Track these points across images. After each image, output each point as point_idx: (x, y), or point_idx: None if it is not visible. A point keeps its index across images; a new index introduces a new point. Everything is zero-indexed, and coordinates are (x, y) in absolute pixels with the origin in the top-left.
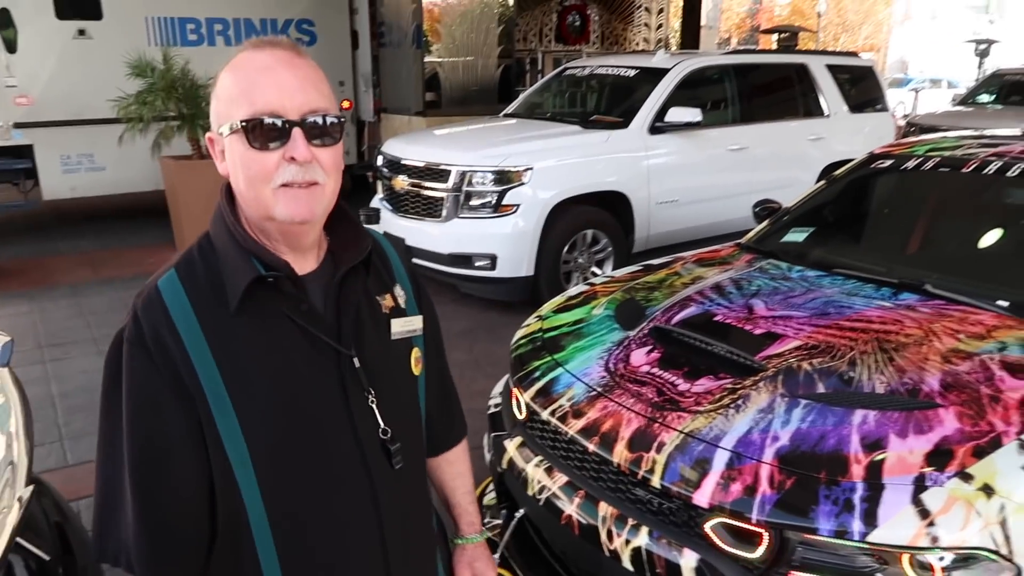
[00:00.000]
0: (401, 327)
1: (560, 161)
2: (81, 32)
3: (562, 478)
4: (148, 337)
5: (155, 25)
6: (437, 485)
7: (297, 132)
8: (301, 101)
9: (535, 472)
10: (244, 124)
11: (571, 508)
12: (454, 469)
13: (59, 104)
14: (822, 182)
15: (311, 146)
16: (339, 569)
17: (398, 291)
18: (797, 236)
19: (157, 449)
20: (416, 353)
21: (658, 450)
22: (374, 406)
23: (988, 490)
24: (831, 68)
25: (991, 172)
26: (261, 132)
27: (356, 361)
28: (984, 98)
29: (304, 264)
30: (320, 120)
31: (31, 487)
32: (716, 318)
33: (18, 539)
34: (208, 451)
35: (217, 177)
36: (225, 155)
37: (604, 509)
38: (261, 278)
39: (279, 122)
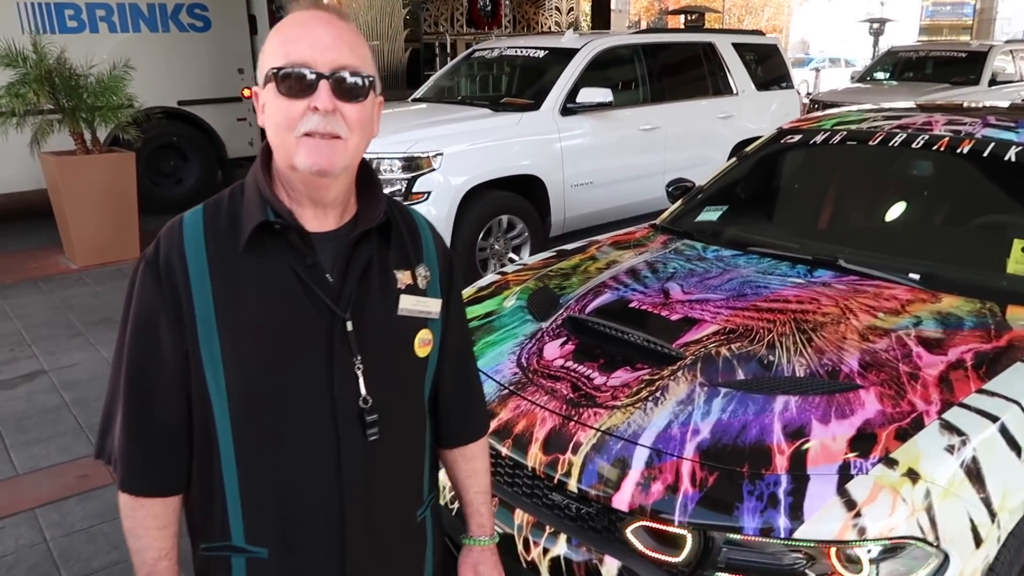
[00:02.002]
0: (411, 304)
1: (471, 145)
2: None
3: None
4: (161, 260)
5: (29, 11)
6: (453, 481)
7: (324, 84)
8: (333, 56)
9: (446, 479)
10: (275, 72)
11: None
12: (469, 466)
13: None
14: (733, 159)
15: (337, 100)
16: (293, 518)
17: (421, 270)
18: (711, 215)
19: (149, 364)
20: (424, 335)
21: (574, 451)
22: (359, 372)
23: (913, 475)
24: (737, 47)
25: (896, 144)
26: (290, 81)
27: (349, 324)
28: (880, 75)
29: (324, 222)
30: (349, 76)
31: None
32: (632, 304)
33: None
34: (191, 378)
35: (103, 174)
36: (264, 107)
37: (520, 517)
38: (269, 224)
39: (308, 72)
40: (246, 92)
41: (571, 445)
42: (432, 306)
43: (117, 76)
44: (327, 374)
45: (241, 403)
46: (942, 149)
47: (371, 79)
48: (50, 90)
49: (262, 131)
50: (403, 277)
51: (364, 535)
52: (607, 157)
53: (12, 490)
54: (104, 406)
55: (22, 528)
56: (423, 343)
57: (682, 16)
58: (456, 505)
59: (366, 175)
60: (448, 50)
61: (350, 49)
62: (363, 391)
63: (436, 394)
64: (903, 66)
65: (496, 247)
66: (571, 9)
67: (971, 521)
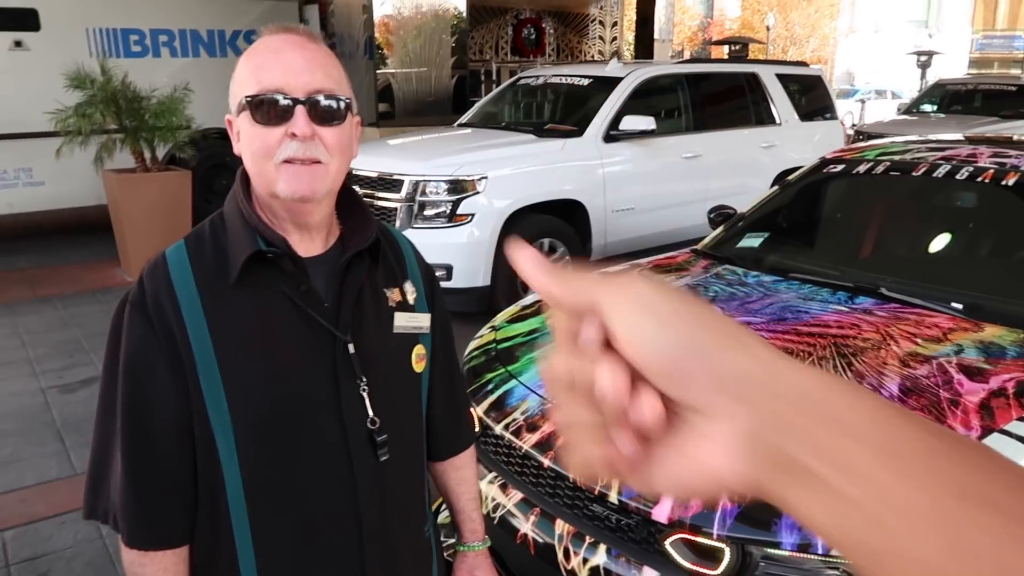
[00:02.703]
0: (405, 321)
1: (515, 170)
2: (17, 43)
3: (517, 495)
4: (149, 301)
5: (96, 36)
6: (443, 490)
7: (300, 110)
8: (306, 80)
9: (489, 489)
10: (249, 100)
11: (527, 526)
12: (459, 475)
13: None
14: (775, 187)
15: (315, 125)
16: (311, 553)
17: (408, 287)
18: (752, 241)
19: (147, 409)
20: (419, 350)
21: None
22: (365, 394)
23: None
24: (781, 77)
25: (940, 175)
26: (265, 108)
27: (351, 347)
28: (927, 107)
29: (311, 246)
30: (324, 100)
31: None
32: None
33: None
34: (193, 420)
35: (160, 191)
36: (239, 135)
37: (561, 527)
38: (261, 254)
39: (283, 98)
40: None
41: None
42: (423, 321)
43: (177, 98)
44: (335, 399)
45: (249, 439)
46: (986, 181)
47: (347, 101)
48: (115, 111)
49: None
50: (392, 295)
51: (381, 559)
52: (648, 184)
53: (71, 488)
54: (91, 463)
55: (80, 524)
56: (419, 358)
57: (726, 46)
58: (498, 514)
59: (348, 197)
60: (493, 77)
61: (324, 72)
62: (371, 412)
63: (428, 408)
64: (951, 99)
65: None
66: (615, 38)
67: None
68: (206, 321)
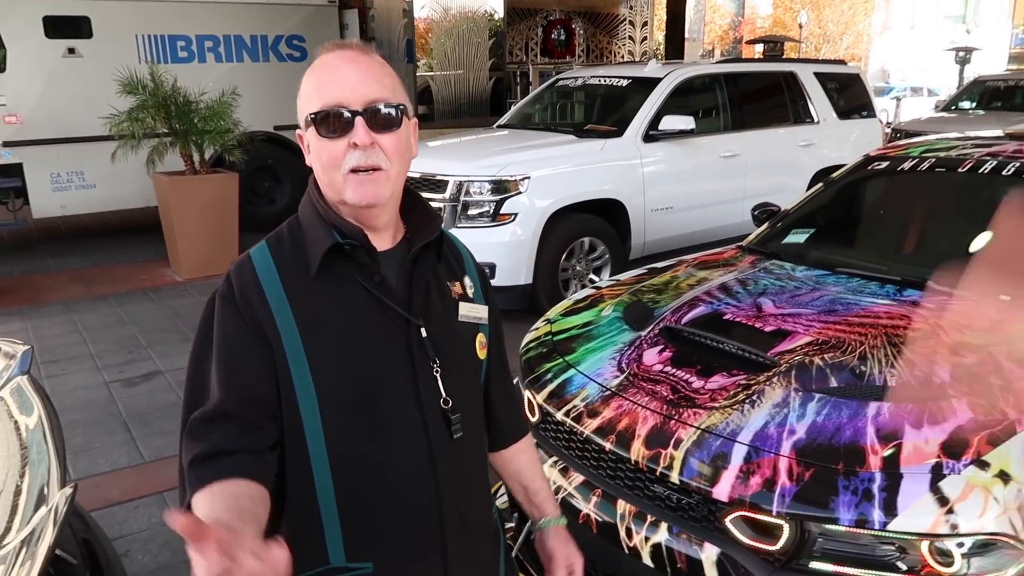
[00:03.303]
0: (468, 311)
1: (556, 170)
2: (71, 51)
3: (578, 478)
4: (237, 295)
5: (146, 42)
6: (514, 477)
7: (359, 121)
8: (363, 93)
9: (550, 473)
10: (313, 116)
11: (588, 507)
12: (526, 457)
13: (49, 122)
14: (819, 185)
15: (373, 133)
16: (395, 526)
17: (467, 281)
18: (798, 238)
19: (241, 382)
20: (481, 338)
21: (675, 446)
22: (438, 375)
23: (1005, 476)
24: (819, 76)
25: (987, 171)
26: (329, 122)
27: (424, 331)
28: (966, 104)
29: (380, 243)
30: (380, 108)
31: (66, 490)
32: (726, 317)
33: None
34: (281, 403)
35: (209, 192)
36: (309, 148)
37: (622, 507)
38: (338, 246)
39: (343, 112)
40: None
41: (672, 441)
42: (483, 312)
43: (225, 102)
44: (411, 380)
45: (336, 421)
46: None
47: (402, 107)
48: (165, 115)
49: None
50: (455, 287)
51: (459, 535)
52: (687, 183)
53: (142, 475)
54: (181, 461)
55: (153, 508)
56: (481, 345)
57: (759, 45)
58: (560, 496)
59: (410, 197)
60: (530, 79)
61: (378, 82)
62: (443, 393)
63: (487, 399)
64: (991, 95)
65: (578, 268)
66: (645, 38)
67: None
68: (291, 309)
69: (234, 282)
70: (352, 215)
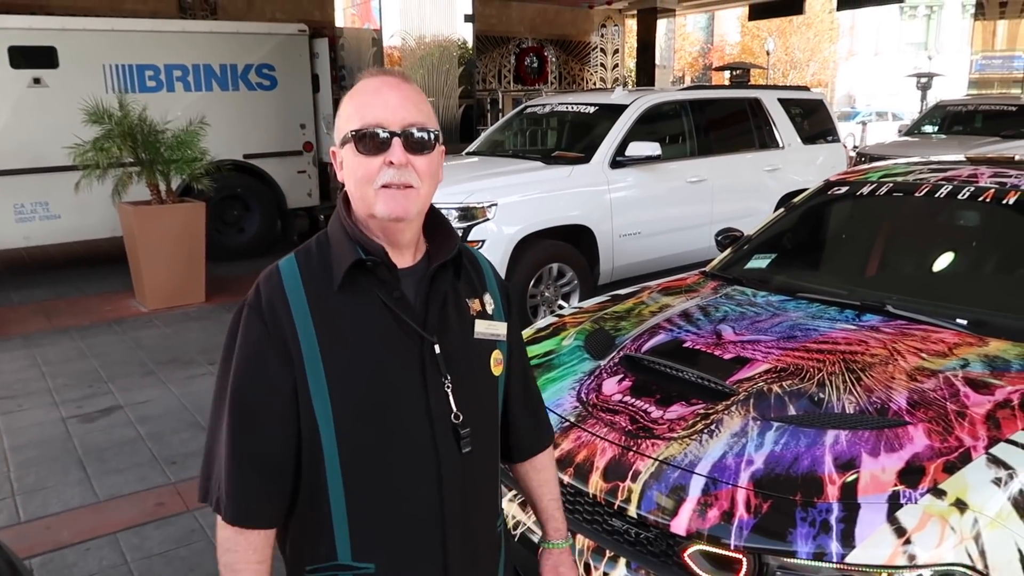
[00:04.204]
0: (484, 328)
1: (524, 197)
2: (36, 81)
3: None
4: (264, 304)
5: (113, 72)
6: (525, 491)
7: (396, 141)
8: (402, 116)
9: (509, 507)
10: (354, 134)
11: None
12: (541, 476)
13: (13, 153)
14: (781, 210)
15: (408, 154)
16: (398, 532)
17: (487, 299)
18: (760, 263)
19: (257, 395)
20: (497, 355)
21: (633, 479)
22: (449, 391)
23: (961, 505)
24: (783, 102)
25: (942, 195)
26: (367, 141)
27: (437, 347)
28: (928, 128)
29: (401, 260)
30: (417, 132)
31: None
32: (685, 344)
33: None
34: (299, 409)
35: (175, 222)
36: (343, 164)
37: (580, 542)
38: (361, 263)
39: (383, 132)
40: (307, 146)
41: (630, 473)
42: (501, 329)
43: (192, 131)
44: (423, 394)
45: (348, 428)
46: (987, 200)
47: (436, 133)
48: (132, 145)
49: (324, 184)
50: (473, 304)
51: (461, 544)
52: (655, 208)
53: (96, 515)
54: (205, 452)
55: (105, 550)
56: (497, 363)
57: (727, 72)
58: (519, 531)
59: (434, 217)
60: (499, 106)
61: (416, 108)
62: (454, 408)
63: (506, 411)
64: (952, 120)
65: (546, 294)
66: (616, 65)
67: (1019, 551)
68: (312, 322)
69: (263, 291)
70: (380, 229)
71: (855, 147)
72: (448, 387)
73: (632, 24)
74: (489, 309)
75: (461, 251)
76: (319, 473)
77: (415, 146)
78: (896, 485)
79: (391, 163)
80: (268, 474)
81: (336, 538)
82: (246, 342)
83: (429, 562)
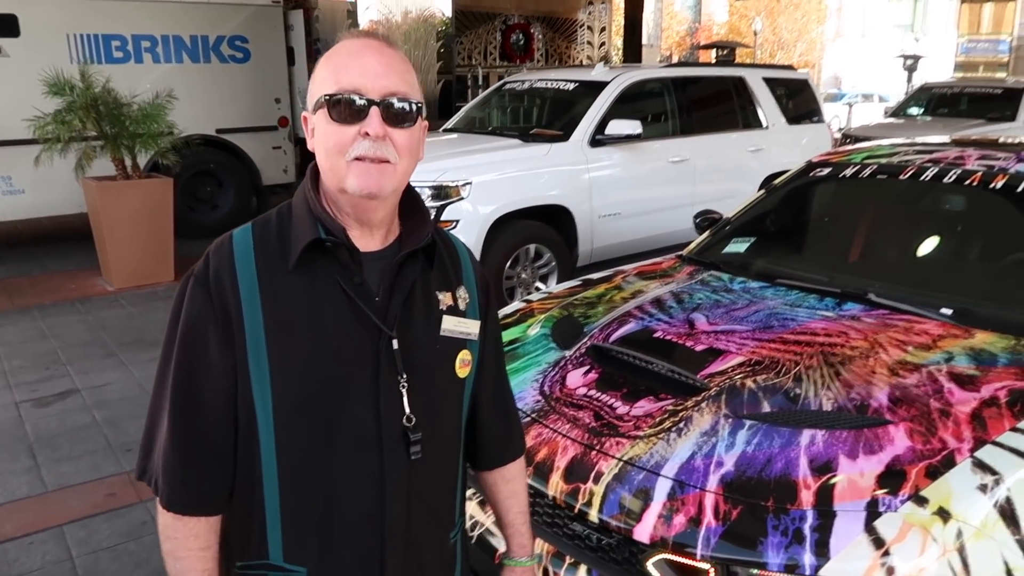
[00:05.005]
0: (453, 325)
1: (500, 175)
2: None
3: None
4: (211, 276)
5: (77, 42)
6: (492, 502)
7: (374, 110)
8: (383, 84)
9: (467, 507)
10: (327, 98)
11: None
12: (509, 487)
13: None
14: (761, 192)
15: (387, 126)
16: (333, 537)
17: (461, 292)
18: (739, 247)
19: (197, 375)
20: (464, 355)
21: (596, 480)
22: (404, 391)
23: (944, 514)
24: (768, 81)
25: (928, 178)
26: (342, 108)
27: (395, 343)
28: (914, 110)
29: (369, 242)
30: (398, 102)
31: None
32: (656, 334)
33: None
34: (237, 393)
35: (141, 198)
36: (314, 132)
37: (539, 546)
38: (320, 242)
39: (359, 99)
40: (282, 121)
41: (593, 474)
42: (472, 327)
43: (159, 105)
44: (373, 392)
45: (286, 419)
46: (975, 184)
47: (419, 105)
48: (95, 117)
49: (302, 157)
50: (444, 298)
51: (402, 556)
52: (635, 189)
53: (41, 506)
54: (146, 427)
55: (49, 544)
56: (463, 364)
57: (713, 51)
58: (476, 532)
59: (410, 198)
60: (480, 82)
61: (399, 76)
62: (407, 410)
63: (475, 416)
64: (937, 102)
65: (523, 276)
66: (603, 43)
67: (1005, 564)
68: (260, 301)
69: (211, 262)
70: (350, 205)
71: (840, 129)
72: (403, 387)
73: (619, 2)
74: (462, 304)
75: (436, 238)
76: (253, 464)
77: (395, 118)
78: (875, 491)
79: (367, 134)
80: (208, 461)
81: (268, 535)
82: (188, 316)
83: (364, 572)
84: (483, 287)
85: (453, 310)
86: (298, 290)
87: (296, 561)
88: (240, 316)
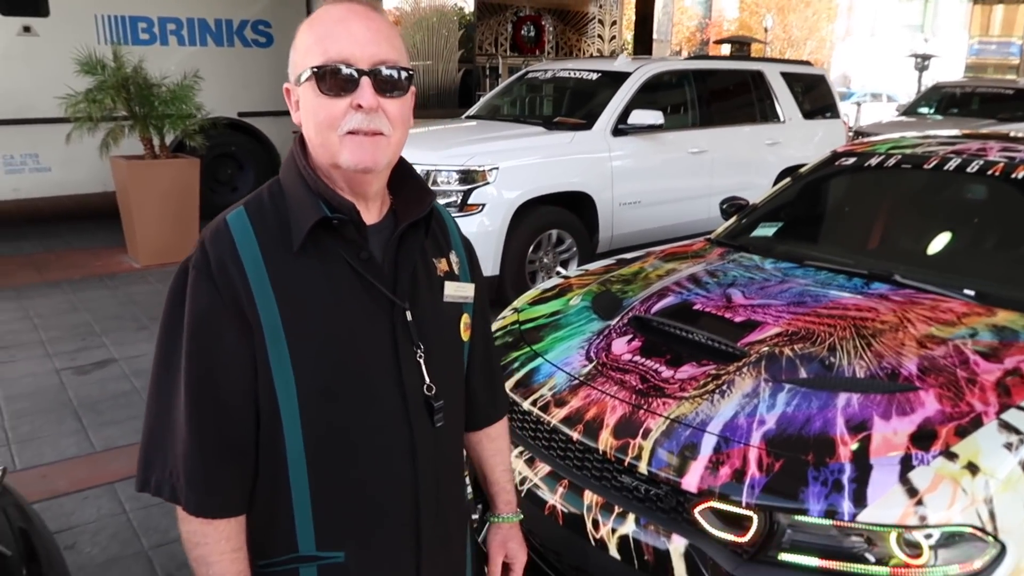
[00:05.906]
0: (454, 291)
1: (525, 161)
2: (26, 29)
3: (544, 468)
4: (213, 265)
5: (105, 23)
6: (476, 461)
7: (366, 81)
8: (372, 52)
9: (515, 463)
10: (316, 70)
11: (554, 498)
12: (495, 445)
13: (2, 102)
14: (787, 180)
15: (378, 96)
16: (369, 515)
17: (453, 257)
18: (766, 231)
19: (214, 372)
20: (466, 319)
21: (644, 436)
22: (421, 361)
23: (973, 468)
24: (786, 76)
25: (951, 168)
26: (331, 79)
27: (408, 314)
28: (924, 109)
29: (367, 216)
30: (389, 71)
31: None
32: (695, 307)
33: None
34: (258, 380)
35: (169, 178)
36: (299, 104)
37: (589, 498)
38: (326, 220)
39: (349, 70)
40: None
41: (641, 431)
42: (469, 290)
43: (187, 86)
44: (394, 365)
45: (313, 405)
46: (996, 174)
47: (409, 72)
48: (125, 97)
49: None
50: (440, 264)
51: (434, 523)
52: (655, 178)
53: (91, 465)
54: (145, 440)
55: (103, 499)
56: (466, 327)
57: (727, 45)
58: (526, 487)
59: (402, 168)
60: (499, 72)
61: (388, 43)
62: (427, 379)
63: (467, 377)
64: (948, 101)
65: (545, 260)
66: (613, 37)
67: None
68: (271, 284)
69: (210, 252)
70: (344, 180)
71: (850, 127)
72: (420, 357)
73: None
74: (456, 268)
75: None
76: (277, 455)
77: (386, 87)
78: (908, 447)
79: (359, 106)
80: (232, 457)
81: (297, 528)
82: (196, 310)
83: (403, 543)
84: (468, 249)
85: (450, 275)
86: (308, 272)
87: (331, 547)
88: (253, 305)
